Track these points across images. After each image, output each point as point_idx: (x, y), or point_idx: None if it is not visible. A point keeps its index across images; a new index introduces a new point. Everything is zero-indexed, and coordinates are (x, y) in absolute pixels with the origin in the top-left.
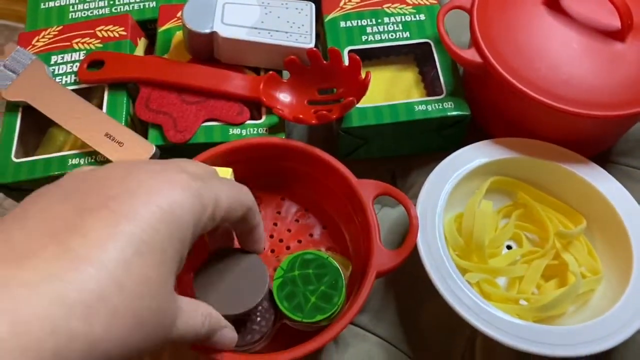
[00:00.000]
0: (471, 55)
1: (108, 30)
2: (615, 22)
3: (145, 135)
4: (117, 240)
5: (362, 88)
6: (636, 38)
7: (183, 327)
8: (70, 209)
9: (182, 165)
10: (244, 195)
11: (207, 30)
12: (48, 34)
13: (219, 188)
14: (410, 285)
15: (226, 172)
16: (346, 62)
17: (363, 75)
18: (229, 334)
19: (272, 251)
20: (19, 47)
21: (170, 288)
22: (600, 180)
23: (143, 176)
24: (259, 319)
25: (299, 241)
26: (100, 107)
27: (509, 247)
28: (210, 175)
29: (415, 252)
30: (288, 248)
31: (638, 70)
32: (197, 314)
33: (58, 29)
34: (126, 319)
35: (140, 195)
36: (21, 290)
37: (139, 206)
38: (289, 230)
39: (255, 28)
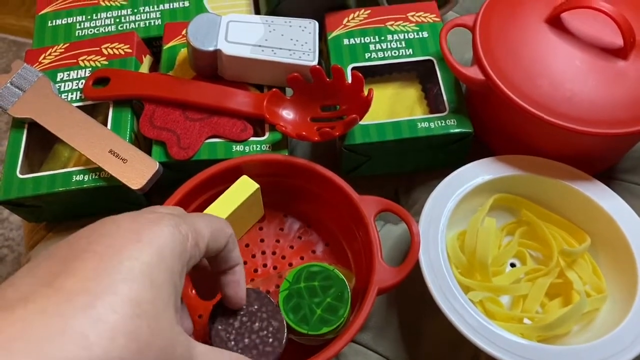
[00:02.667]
0: (474, 72)
1: (114, 47)
2: (617, 40)
3: (149, 151)
4: (104, 274)
5: (364, 105)
6: (639, 56)
7: None
8: (55, 262)
9: (154, 208)
10: (223, 224)
11: (211, 48)
12: (55, 51)
13: (196, 220)
14: (412, 303)
15: (252, 187)
16: (349, 80)
17: (366, 93)
18: None
19: (275, 268)
20: (25, 64)
21: (171, 320)
22: (605, 198)
23: (121, 220)
24: (271, 339)
25: (302, 258)
26: (105, 123)
27: (512, 265)
28: (183, 212)
29: (417, 269)
30: (290, 265)
31: None
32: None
33: (64, 46)
34: (125, 342)
35: (122, 235)
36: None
37: (121, 244)
38: (292, 247)
39: (259, 46)
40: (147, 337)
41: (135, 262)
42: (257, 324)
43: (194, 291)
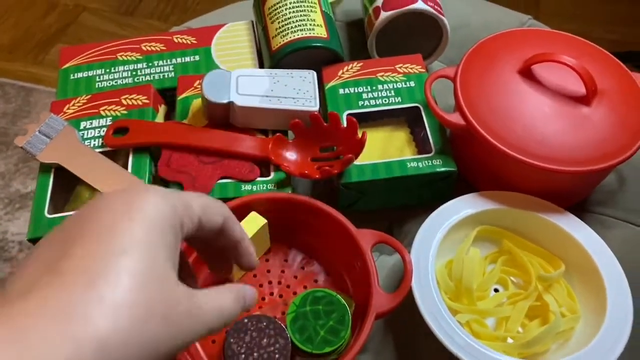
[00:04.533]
0: (455, 118)
1: (132, 98)
2: (581, 89)
3: None
4: (101, 253)
5: (359, 146)
6: (601, 102)
7: (210, 305)
8: (55, 247)
9: (141, 183)
10: (218, 204)
11: (225, 101)
12: (77, 102)
13: (184, 194)
14: (407, 326)
15: (261, 221)
16: (344, 124)
17: (360, 135)
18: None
19: (281, 296)
20: (52, 114)
21: (171, 285)
22: (576, 229)
23: (111, 199)
24: (277, 355)
25: (305, 287)
26: (125, 167)
27: (496, 290)
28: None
29: (410, 295)
30: (295, 293)
31: (602, 130)
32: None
33: (87, 97)
34: (134, 311)
35: (114, 213)
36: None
37: (114, 221)
38: (296, 277)
39: (267, 96)
40: (150, 304)
41: (129, 236)
42: (265, 340)
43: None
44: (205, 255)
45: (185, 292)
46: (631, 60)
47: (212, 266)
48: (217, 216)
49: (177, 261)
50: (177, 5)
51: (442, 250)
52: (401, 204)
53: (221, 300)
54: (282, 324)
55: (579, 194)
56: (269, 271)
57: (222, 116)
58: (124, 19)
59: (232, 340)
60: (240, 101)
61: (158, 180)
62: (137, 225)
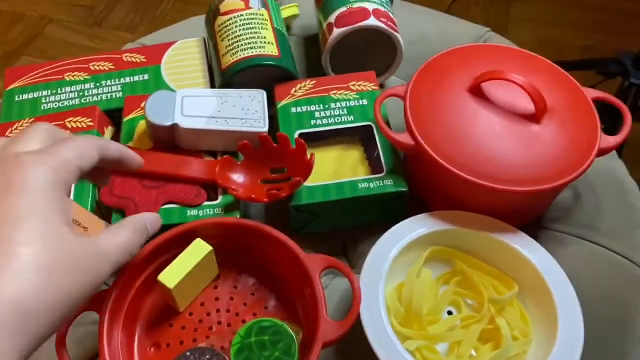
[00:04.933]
0: (405, 138)
1: (76, 121)
2: (531, 106)
3: (109, 219)
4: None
5: (307, 168)
6: (551, 119)
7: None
8: None
9: (12, 148)
10: (88, 141)
11: (169, 123)
12: (21, 125)
13: (59, 149)
14: (357, 353)
15: (206, 248)
16: (294, 145)
17: (308, 157)
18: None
19: (229, 325)
20: None
21: (69, 238)
22: (529, 248)
23: None
24: None
25: (254, 314)
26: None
27: (449, 313)
28: (50, 140)
29: (359, 321)
30: (244, 321)
31: (553, 148)
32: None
33: (30, 120)
34: (37, 273)
35: None
36: None
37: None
38: (245, 304)
39: (213, 117)
40: (52, 263)
41: (17, 209)
42: None
43: (152, 349)
44: (91, 178)
45: (83, 242)
46: (597, 67)
47: (101, 182)
48: (92, 152)
49: (70, 214)
50: (146, 16)
51: (394, 273)
52: (354, 224)
53: (120, 237)
54: (226, 357)
55: (532, 212)
56: (217, 299)
57: (167, 139)
58: (92, 30)
59: None
60: (184, 123)
61: (102, 206)
62: (23, 198)
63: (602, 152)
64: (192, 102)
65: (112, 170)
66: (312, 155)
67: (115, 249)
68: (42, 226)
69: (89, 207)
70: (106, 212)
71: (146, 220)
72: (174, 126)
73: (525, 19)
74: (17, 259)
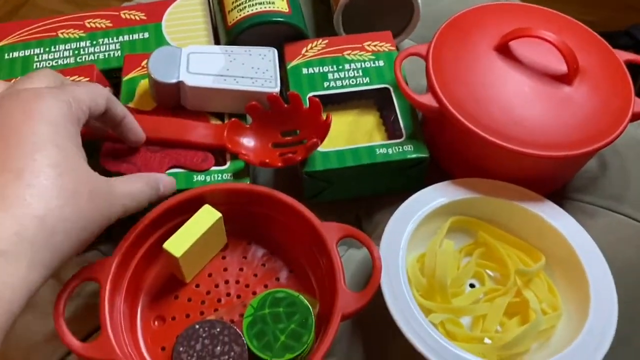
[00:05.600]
0: (427, 100)
1: (73, 80)
2: (562, 67)
3: None
4: (17, 153)
5: (324, 129)
6: (582, 81)
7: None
8: None
9: (28, 82)
10: (99, 88)
11: (174, 80)
12: None
13: (73, 88)
14: (376, 327)
15: (215, 215)
16: (307, 105)
17: (324, 117)
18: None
19: (239, 297)
20: None
21: (85, 169)
22: (556, 217)
23: (8, 107)
24: None
25: (265, 286)
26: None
27: (472, 286)
28: (61, 81)
29: (380, 293)
30: (254, 293)
31: (584, 111)
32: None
33: None
34: (62, 192)
35: (15, 119)
36: None
37: (18, 126)
38: (255, 275)
39: (221, 75)
40: (74, 186)
41: (37, 135)
42: (218, 348)
43: (156, 323)
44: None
45: (99, 177)
46: (607, 40)
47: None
48: (102, 99)
49: (82, 151)
50: None
51: (414, 244)
52: (370, 193)
53: (132, 185)
54: (237, 330)
55: (559, 180)
56: (225, 269)
57: (172, 98)
58: None
59: (181, 349)
60: (191, 81)
61: (104, 171)
62: (43, 127)
63: (635, 117)
64: (199, 59)
65: (111, 136)
66: (328, 115)
67: (127, 194)
68: (63, 153)
69: None
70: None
71: (160, 180)
72: (179, 84)
73: None
74: (44, 178)
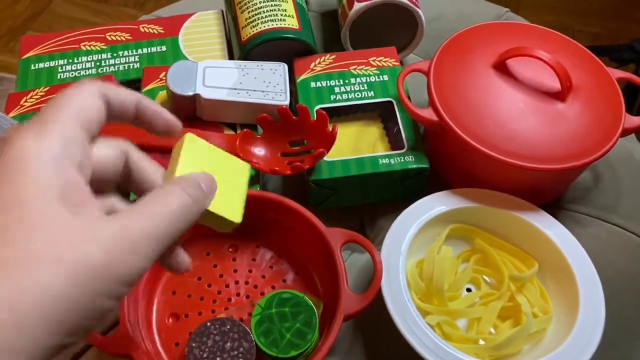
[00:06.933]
0: (428, 114)
1: None
2: (556, 84)
3: None
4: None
5: (330, 139)
6: (575, 98)
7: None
8: None
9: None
10: (82, 91)
11: (190, 93)
12: (36, 94)
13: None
14: (376, 327)
15: (245, 167)
16: (314, 117)
17: (330, 128)
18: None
19: (248, 297)
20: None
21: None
22: (549, 227)
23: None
24: (241, 359)
25: (273, 287)
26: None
27: (469, 290)
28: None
29: (380, 295)
30: (262, 294)
31: (577, 127)
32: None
33: (45, 89)
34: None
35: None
36: None
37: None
38: (264, 277)
39: (235, 89)
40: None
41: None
42: (228, 344)
43: (170, 320)
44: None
45: (108, 221)
46: (608, 54)
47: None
48: (91, 99)
49: (93, 198)
50: None
51: (414, 249)
52: (373, 201)
53: (163, 198)
54: (246, 327)
55: (553, 191)
56: (235, 271)
57: (188, 109)
58: (98, 6)
59: (194, 344)
60: (206, 93)
61: None
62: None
63: (626, 132)
64: (214, 73)
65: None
66: (334, 126)
67: (161, 215)
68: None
69: None
70: None
71: (197, 179)
72: (196, 97)
73: (535, 5)
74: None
